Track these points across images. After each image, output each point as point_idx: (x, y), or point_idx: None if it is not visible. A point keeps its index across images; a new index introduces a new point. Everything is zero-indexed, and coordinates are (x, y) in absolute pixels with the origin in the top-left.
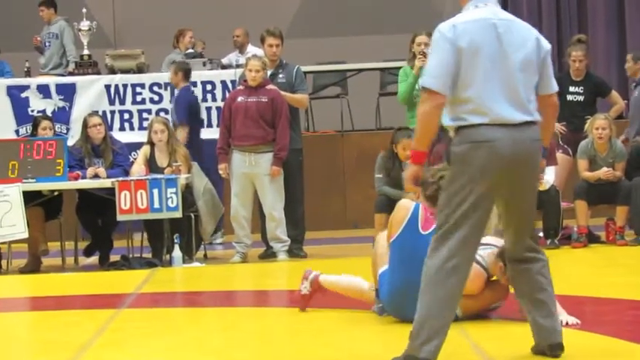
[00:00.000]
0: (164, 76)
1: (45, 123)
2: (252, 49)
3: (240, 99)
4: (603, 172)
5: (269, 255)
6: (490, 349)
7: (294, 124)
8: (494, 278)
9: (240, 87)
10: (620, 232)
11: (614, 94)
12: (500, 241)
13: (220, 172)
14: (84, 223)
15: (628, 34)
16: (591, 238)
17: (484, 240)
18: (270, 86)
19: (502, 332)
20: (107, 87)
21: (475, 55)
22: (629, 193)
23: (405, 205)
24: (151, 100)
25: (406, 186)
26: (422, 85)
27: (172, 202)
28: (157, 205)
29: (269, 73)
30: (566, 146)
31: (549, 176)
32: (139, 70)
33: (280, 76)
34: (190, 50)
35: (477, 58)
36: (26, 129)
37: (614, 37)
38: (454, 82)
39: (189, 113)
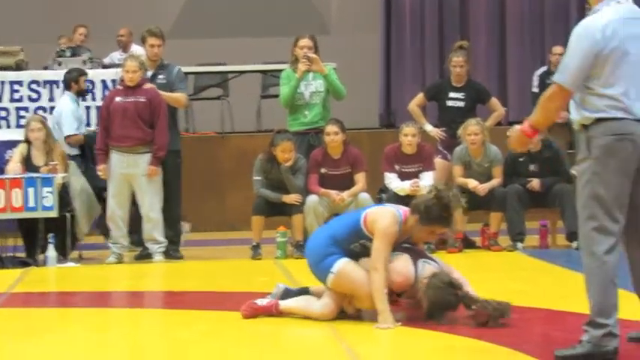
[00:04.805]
0: (43, 74)
1: None
2: (135, 49)
3: (118, 99)
4: (472, 187)
5: (145, 256)
6: (363, 351)
7: (172, 125)
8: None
9: (119, 87)
10: (494, 238)
11: (494, 100)
12: (442, 265)
13: (99, 173)
14: None
15: (508, 43)
16: (467, 244)
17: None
18: (148, 86)
19: (375, 335)
20: None
21: (623, 56)
22: (503, 199)
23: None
24: (29, 98)
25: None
26: (557, 80)
27: (48, 202)
28: (32, 204)
29: (149, 73)
30: (445, 151)
31: (427, 181)
32: (18, 67)
33: (161, 76)
34: (69, 47)
35: (624, 58)
36: None
37: (494, 46)
38: (597, 77)
39: None
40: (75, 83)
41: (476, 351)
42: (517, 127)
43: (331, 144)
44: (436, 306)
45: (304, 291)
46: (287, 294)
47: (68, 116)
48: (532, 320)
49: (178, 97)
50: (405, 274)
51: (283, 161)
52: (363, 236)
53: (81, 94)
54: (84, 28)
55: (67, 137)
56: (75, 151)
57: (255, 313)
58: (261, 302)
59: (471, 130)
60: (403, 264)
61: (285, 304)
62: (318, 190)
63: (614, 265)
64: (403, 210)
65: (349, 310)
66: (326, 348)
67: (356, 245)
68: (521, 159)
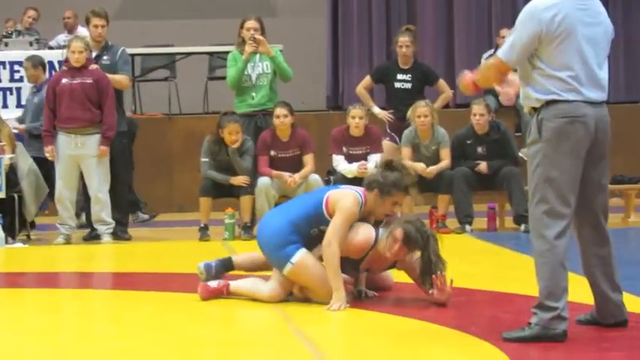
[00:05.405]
0: None
1: None
2: (81, 31)
3: (64, 81)
4: (420, 170)
5: (93, 237)
6: (311, 333)
7: (117, 106)
8: None
9: (64, 68)
10: (442, 220)
11: (442, 82)
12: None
13: (47, 154)
14: None
15: (455, 25)
16: None
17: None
18: (93, 67)
19: (322, 316)
20: None
21: (572, 38)
22: (451, 182)
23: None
24: None
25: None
26: (500, 55)
27: None
28: None
29: (94, 54)
30: (393, 134)
31: (374, 163)
32: None
33: (105, 57)
34: (16, 30)
35: (573, 40)
36: None
37: (442, 28)
38: (547, 59)
39: None
40: None
41: (425, 333)
42: (467, 72)
43: (280, 126)
44: (410, 226)
45: (227, 261)
46: (209, 269)
47: None
48: (481, 302)
49: (121, 79)
50: (366, 236)
51: (230, 143)
52: (324, 221)
53: None
54: (34, 10)
55: None
56: None
57: (210, 295)
58: (212, 284)
59: (420, 111)
60: (364, 229)
61: (235, 286)
62: (270, 172)
63: (564, 248)
64: (363, 191)
65: (298, 295)
66: (274, 329)
67: (314, 230)
68: (469, 141)
